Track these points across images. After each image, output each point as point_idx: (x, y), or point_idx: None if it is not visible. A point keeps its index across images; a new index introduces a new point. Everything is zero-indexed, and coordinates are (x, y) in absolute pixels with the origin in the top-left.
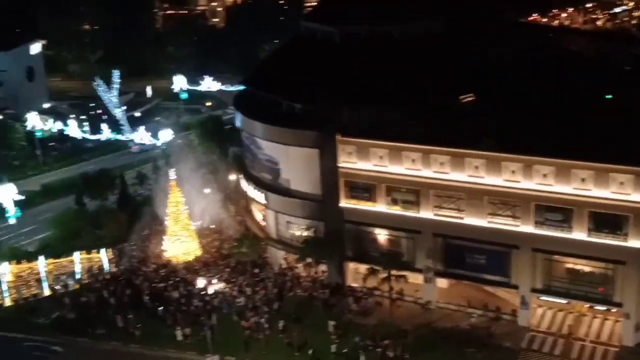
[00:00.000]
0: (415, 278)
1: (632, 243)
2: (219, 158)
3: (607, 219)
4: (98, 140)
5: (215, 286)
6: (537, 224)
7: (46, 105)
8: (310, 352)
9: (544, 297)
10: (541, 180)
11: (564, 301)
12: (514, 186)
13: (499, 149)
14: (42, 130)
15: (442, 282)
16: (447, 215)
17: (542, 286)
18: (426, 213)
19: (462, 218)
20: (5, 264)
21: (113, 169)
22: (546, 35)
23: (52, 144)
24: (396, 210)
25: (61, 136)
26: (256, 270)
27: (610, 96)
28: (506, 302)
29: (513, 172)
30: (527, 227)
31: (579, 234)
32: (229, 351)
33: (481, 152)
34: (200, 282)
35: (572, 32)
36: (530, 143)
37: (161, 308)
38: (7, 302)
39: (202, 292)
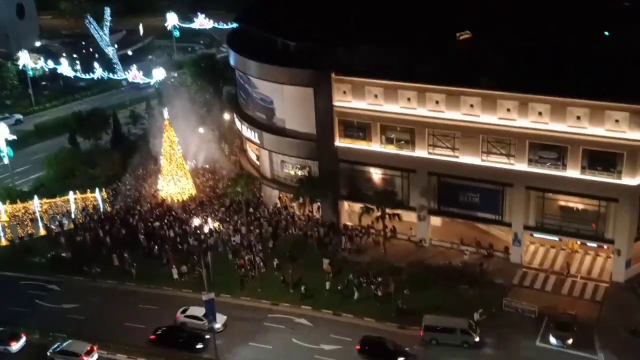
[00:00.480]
0: (409, 216)
1: (625, 180)
2: (213, 97)
3: (601, 157)
4: (90, 79)
5: (210, 225)
6: (531, 162)
7: (37, 44)
8: (302, 288)
9: (536, 235)
10: (536, 118)
11: (556, 238)
12: (509, 124)
13: (494, 86)
14: (33, 69)
15: (435, 221)
16: (442, 154)
17: (535, 224)
18: (421, 152)
19: (456, 157)
20: (0, 204)
21: (106, 108)
22: None
23: (44, 83)
24: (391, 149)
25: (53, 75)
26: (251, 210)
27: (608, 33)
28: (499, 240)
29: (508, 110)
30: (521, 165)
31: (573, 172)
32: (224, 289)
33: (477, 90)
34: (196, 222)
35: None
36: (526, 81)
37: (157, 247)
38: (3, 242)
39: (197, 231)
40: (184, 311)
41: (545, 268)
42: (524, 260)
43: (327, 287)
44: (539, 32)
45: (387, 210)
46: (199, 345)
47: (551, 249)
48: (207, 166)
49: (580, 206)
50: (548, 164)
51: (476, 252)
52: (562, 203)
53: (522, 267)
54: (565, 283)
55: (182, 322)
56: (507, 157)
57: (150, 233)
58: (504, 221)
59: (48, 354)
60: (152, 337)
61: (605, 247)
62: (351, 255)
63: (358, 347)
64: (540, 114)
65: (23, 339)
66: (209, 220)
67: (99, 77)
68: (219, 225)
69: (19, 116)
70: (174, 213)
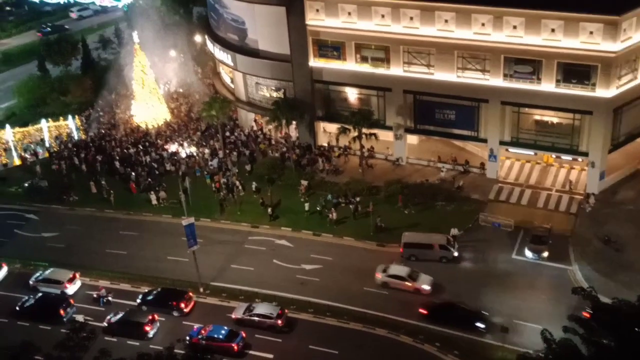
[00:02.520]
0: (386, 135)
1: (599, 93)
2: (183, 19)
3: (576, 70)
4: (56, 3)
5: (187, 150)
6: (506, 76)
7: None
8: (269, 210)
9: (512, 150)
10: (511, 32)
11: (531, 152)
12: (484, 39)
13: (469, 1)
14: None
15: (412, 139)
16: (417, 72)
17: (510, 139)
18: (396, 70)
19: (432, 74)
20: None
21: (74, 33)
22: None
23: (8, 8)
24: (366, 67)
25: (17, 0)
26: (227, 133)
27: None
28: (475, 156)
29: (483, 24)
30: (496, 81)
31: (548, 86)
32: (203, 213)
33: (451, 5)
34: (172, 147)
35: None
36: None
37: (134, 173)
38: None
39: (173, 156)
40: (384, 270)
41: (521, 182)
42: (499, 176)
43: (307, 208)
44: None
45: (364, 130)
46: (481, 325)
47: (526, 164)
48: (181, 90)
49: (555, 120)
50: (523, 79)
51: (453, 169)
52: (537, 117)
53: (498, 182)
54: (540, 196)
55: (383, 282)
56: (482, 72)
57: (126, 159)
58: (479, 137)
59: (30, 282)
60: (424, 311)
61: (579, 159)
62: (329, 176)
63: (424, 311)
64: (514, 27)
65: (4, 269)
66: (185, 144)
67: (65, 1)
68: (195, 150)
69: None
70: (149, 138)
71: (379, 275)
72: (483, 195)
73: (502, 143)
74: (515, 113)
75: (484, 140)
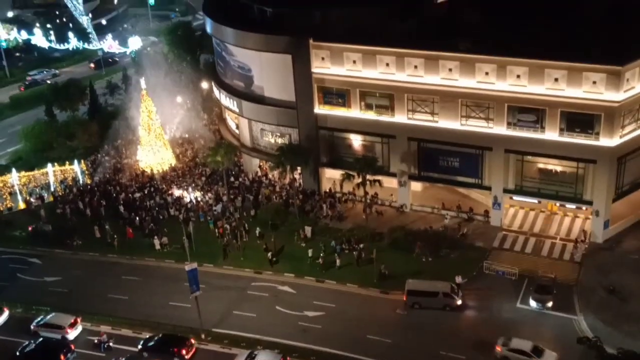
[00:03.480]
0: (390, 182)
1: (603, 142)
2: (190, 66)
3: (579, 119)
4: (65, 49)
5: (192, 195)
6: (510, 125)
7: (10, 14)
8: (269, 255)
9: (516, 197)
10: (514, 81)
11: (535, 201)
12: (488, 88)
13: (472, 50)
14: (6, 40)
15: (416, 186)
16: (421, 119)
17: (515, 186)
18: (400, 117)
19: (436, 122)
20: None
21: (82, 79)
22: None
23: (18, 54)
24: (370, 115)
25: (27, 46)
26: (231, 179)
27: None
28: (479, 204)
29: (487, 73)
30: (500, 129)
31: (551, 134)
32: (207, 259)
33: (455, 54)
34: (176, 191)
35: None
36: (504, 44)
37: (138, 218)
38: None
39: (178, 201)
40: (505, 343)
41: (525, 230)
42: (503, 223)
43: (310, 254)
44: None
45: (368, 177)
46: None
47: (530, 212)
48: (187, 136)
49: (559, 168)
50: (527, 127)
51: (457, 216)
52: (541, 165)
53: (502, 229)
54: (545, 245)
55: (503, 357)
56: (486, 120)
57: (130, 204)
58: (483, 185)
59: (32, 327)
60: None
61: (584, 208)
62: (333, 222)
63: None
64: (518, 76)
65: (6, 313)
66: (190, 190)
67: (74, 48)
68: (199, 195)
69: (55, 71)
70: (154, 183)
71: (499, 349)
72: (487, 243)
73: (506, 191)
74: (519, 161)
75: (488, 188)
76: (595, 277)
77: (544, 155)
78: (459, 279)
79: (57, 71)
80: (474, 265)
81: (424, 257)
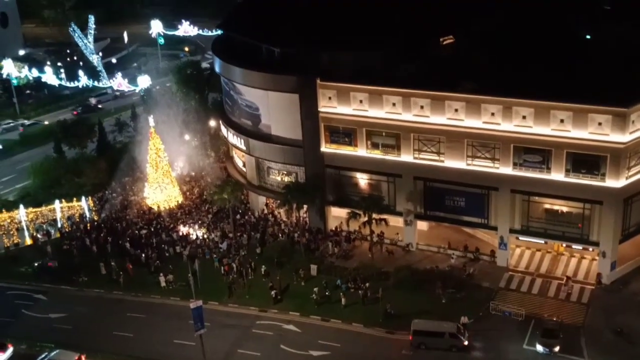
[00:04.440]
0: (396, 221)
1: (609, 183)
2: (198, 104)
3: (585, 160)
4: (75, 87)
5: (198, 232)
6: (516, 165)
7: (21, 52)
8: (273, 293)
9: (522, 238)
10: (520, 122)
11: (542, 241)
12: (494, 128)
13: (478, 91)
14: (17, 77)
15: (422, 225)
16: (427, 159)
17: (521, 227)
18: (406, 157)
19: (442, 161)
20: None
21: (91, 116)
22: None
23: (29, 91)
24: (377, 154)
25: (37, 84)
26: (238, 216)
27: (589, 36)
28: (485, 244)
29: (492, 114)
30: (506, 169)
31: (557, 175)
32: (212, 296)
33: (461, 95)
34: (183, 229)
35: None
36: (509, 84)
37: (144, 255)
38: None
39: (184, 239)
40: None
41: (532, 271)
42: (510, 264)
43: (315, 292)
44: (521, 34)
45: (374, 215)
46: None
47: (537, 252)
48: (194, 173)
49: (565, 209)
50: (532, 168)
51: (463, 256)
52: (547, 206)
53: (509, 270)
54: (551, 286)
55: None
56: (491, 160)
57: (137, 241)
58: (489, 225)
59: None
60: None
61: (590, 249)
62: (339, 260)
63: None
64: (524, 117)
65: (10, 350)
66: (196, 227)
67: (84, 85)
68: (205, 232)
69: (25, 121)
70: (160, 220)
71: None
72: (494, 283)
73: (512, 231)
74: (525, 201)
75: (494, 228)
76: (602, 319)
77: (550, 195)
78: (465, 319)
79: (117, 93)
80: (481, 306)
81: (443, 297)
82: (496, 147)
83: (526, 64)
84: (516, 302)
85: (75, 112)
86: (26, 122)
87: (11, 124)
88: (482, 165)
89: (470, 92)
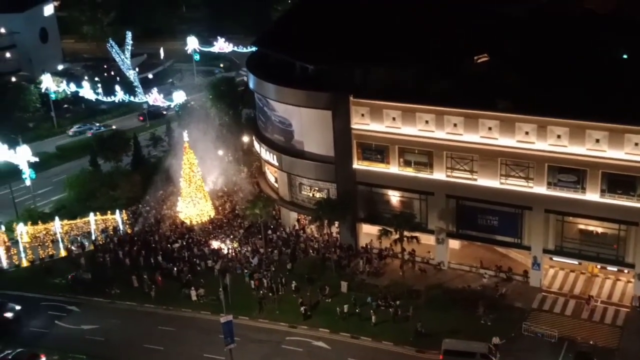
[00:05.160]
0: (428, 239)
1: None
2: (232, 120)
3: (621, 180)
4: (112, 102)
5: (229, 247)
6: (550, 185)
7: (60, 67)
8: (302, 309)
9: (556, 258)
10: (555, 141)
11: (575, 262)
12: (528, 147)
13: (513, 109)
14: (56, 92)
15: (454, 243)
16: (460, 177)
17: (554, 247)
18: (439, 174)
19: (475, 179)
20: (22, 225)
21: (127, 131)
22: None
23: (66, 105)
24: (409, 171)
25: (75, 98)
26: (269, 232)
27: (626, 56)
28: (518, 263)
29: (527, 133)
30: (540, 188)
31: (592, 195)
32: (242, 311)
33: (495, 113)
34: (214, 243)
35: None
36: (544, 104)
37: (175, 269)
38: (24, 263)
39: (216, 253)
40: None
41: (565, 292)
42: (543, 284)
43: (345, 309)
44: (557, 53)
45: (405, 233)
46: None
47: (571, 273)
48: (226, 188)
49: (600, 230)
50: (567, 187)
51: (495, 276)
52: (582, 226)
53: (542, 290)
54: (585, 307)
55: None
56: (525, 180)
57: (169, 254)
58: (523, 244)
59: None
60: None
61: (625, 271)
62: (369, 277)
63: None
64: (558, 137)
65: None
66: (228, 241)
67: (120, 100)
68: (237, 247)
69: (96, 124)
70: (192, 234)
71: None
72: (526, 303)
73: (545, 251)
74: (559, 221)
75: (528, 248)
76: (637, 343)
77: (585, 216)
78: (496, 340)
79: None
80: (513, 326)
81: (484, 318)
82: (530, 167)
83: (561, 83)
84: (549, 323)
85: (140, 118)
86: (97, 124)
87: (82, 128)
88: (515, 185)
89: (505, 110)
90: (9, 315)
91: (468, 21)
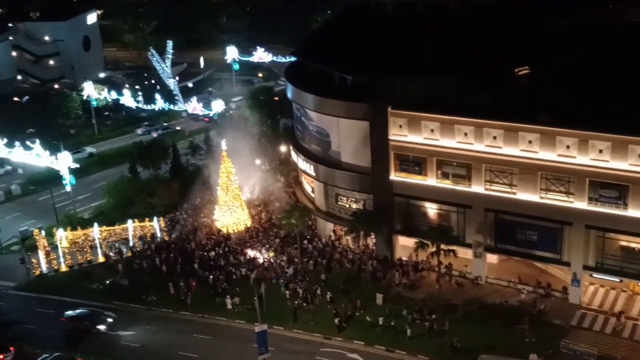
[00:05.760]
0: (465, 253)
1: None
2: (270, 129)
3: None
4: (152, 109)
5: (265, 256)
6: (591, 200)
7: (101, 75)
8: (336, 321)
9: (596, 275)
10: (597, 156)
11: (616, 279)
12: (569, 161)
13: (554, 123)
14: (97, 99)
15: (492, 258)
16: (499, 190)
17: (595, 264)
18: (477, 187)
19: (514, 193)
20: (61, 231)
21: (166, 139)
22: (606, 5)
23: (107, 113)
24: (447, 184)
25: (116, 105)
26: (305, 242)
27: None
28: (557, 279)
29: (568, 147)
30: (581, 204)
31: (635, 212)
32: (277, 321)
33: (536, 126)
34: (250, 252)
35: (633, 3)
36: (586, 117)
37: (211, 277)
38: (63, 268)
39: (251, 262)
40: None
41: (605, 310)
42: (582, 301)
43: (380, 322)
44: (600, 67)
45: (442, 246)
46: None
47: (611, 290)
48: (263, 197)
49: None
50: (609, 203)
51: (533, 292)
52: (624, 243)
53: (581, 308)
54: (626, 326)
55: None
56: (566, 194)
57: (205, 262)
58: (562, 260)
59: None
60: None
61: None
62: (405, 290)
63: None
64: (600, 151)
65: None
66: (263, 251)
67: (160, 108)
68: (272, 257)
69: (92, 149)
70: (229, 243)
71: None
72: (565, 320)
73: (585, 268)
74: (600, 237)
75: (567, 264)
76: None
77: (627, 232)
78: (534, 357)
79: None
80: (551, 343)
81: (531, 336)
82: (571, 181)
83: (603, 97)
84: (588, 341)
85: (206, 119)
86: (165, 124)
87: (149, 128)
88: (556, 199)
89: (545, 123)
90: (102, 327)
91: (509, 34)
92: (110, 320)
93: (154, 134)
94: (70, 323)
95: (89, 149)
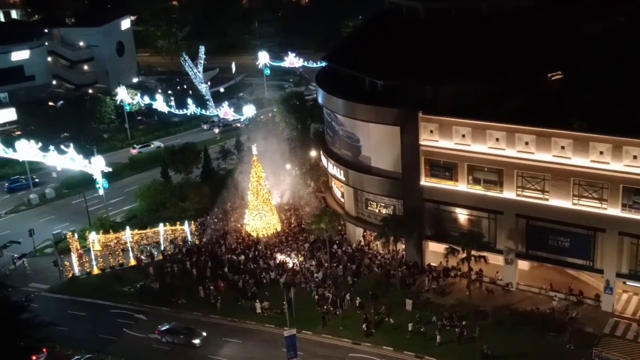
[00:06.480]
0: (496, 259)
1: None
2: (301, 134)
3: None
4: (184, 114)
5: (294, 260)
6: (625, 206)
7: (135, 80)
8: (364, 326)
9: (629, 283)
10: (631, 162)
11: None
12: (602, 167)
13: (587, 129)
14: (130, 104)
15: (523, 264)
16: (531, 196)
17: (628, 271)
18: (509, 193)
19: (546, 199)
20: (94, 234)
21: (197, 144)
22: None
23: (140, 117)
24: (478, 190)
25: (148, 110)
26: (334, 247)
27: None
28: (589, 287)
29: (601, 153)
30: (614, 210)
31: None
32: (306, 325)
33: (569, 132)
34: (279, 257)
35: None
36: (620, 123)
37: (241, 281)
38: (95, 270)
39: (281, 266)
40: None
41: (639, 318)
42: (615, 309)
43: (410, 328)
44: (633, 72)
45: (473, 252)
46: None
47: None
48: (293, 202)
49: None
50: None
51: (565, 299)
52: None
53: (614, 316)
54: (637, 329)
55: None
56: (599, 201)
57: (235, 266)
58: (595, 267)
59: None
60: None
61: None
62: (435, 296)
63: None
64: (634, 157)
65: None
66: (293, 255)
67: (192, 113)
68: (302, 261)
69: (159, 143)
70: (259, 247)
71: None
72: (597, 328)
73: (619, 275)
74: (634, 245)
75: (600, 271)
76: None
77: None
78: None
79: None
80: (583, 352)
81: (570, 345)
82: (604, 187)
83: (637, 102)
84: (621, 350)
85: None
86: (229, 119)
87: (212, 124)
88: (588, 205)
89: (579, 129)
90: (196, 341)
91: (542, 39)
92: (204, 333)
93: (216, 130)
94: (165, 337)
95: (157, 143)
